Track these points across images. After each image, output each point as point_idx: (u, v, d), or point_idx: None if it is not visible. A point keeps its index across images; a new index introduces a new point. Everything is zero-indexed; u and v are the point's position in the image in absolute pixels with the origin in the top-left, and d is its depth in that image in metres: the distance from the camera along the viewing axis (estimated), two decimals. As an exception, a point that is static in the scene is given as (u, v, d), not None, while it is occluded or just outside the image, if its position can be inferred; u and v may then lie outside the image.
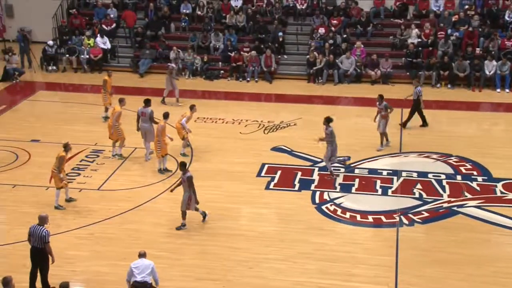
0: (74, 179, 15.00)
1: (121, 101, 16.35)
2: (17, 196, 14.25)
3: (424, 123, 18.43)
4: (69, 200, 13.87)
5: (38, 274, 10.83)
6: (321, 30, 23.91)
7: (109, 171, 15.45)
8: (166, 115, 15.37)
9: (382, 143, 16.88)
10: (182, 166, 13.04)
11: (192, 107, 16.54)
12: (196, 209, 13.06)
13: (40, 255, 10.72)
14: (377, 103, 16.93)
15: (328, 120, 15.20)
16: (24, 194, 14.31)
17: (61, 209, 13.62)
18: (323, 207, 14.04)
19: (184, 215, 12.95)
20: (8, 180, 14.88)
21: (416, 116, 18.32)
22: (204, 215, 13.21)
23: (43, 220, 10.77)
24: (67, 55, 23.58)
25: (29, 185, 14.65)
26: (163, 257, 11.86)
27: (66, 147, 13.66)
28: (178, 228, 12.95)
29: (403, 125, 18.30)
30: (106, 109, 18.30)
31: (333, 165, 15.36)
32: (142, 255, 10.48)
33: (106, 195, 14.35)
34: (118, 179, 15.13)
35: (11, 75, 22.15)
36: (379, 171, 15.71)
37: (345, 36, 23.90)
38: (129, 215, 13.51)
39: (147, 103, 16.08)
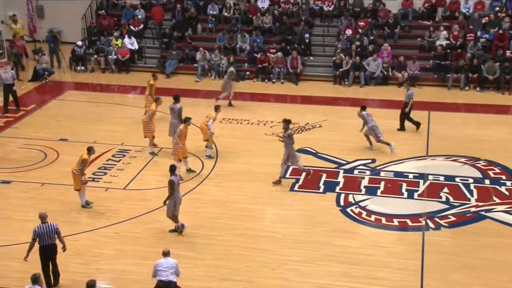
0: (101, 178, 15.17)
1: (157, 100, 16.55)
2: (45, 194, 14.47)
3: (402, 128, 18.05)
4: (86, 204, 13.85)
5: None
6: (348, 32, 23.79)
7: (135, 170, 15.58)
8: (186, 120, 15.17)
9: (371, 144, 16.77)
10: (170, 169, 12.66)
11: (217, 108, 16.59)
12: (176, 220, 12.60)
13: (53, 250, 10.86)
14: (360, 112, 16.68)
15: (287, 122, 14.93)
16: (52, 193, 14.52)
17: (89, 208, 13.77)
18: (348, 210, 13.96)
19: (174, 219, 12.70)
20: (37, 179, 15.11)
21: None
22: (177, 229, 12.75)
23: (45, 217, 10.89)
24: (95, 56, 23.86)
25: (57, 184, 14.85)
26: (187, 256, 11.92)
27: (90, 151, 13.71)
28: (172, 231, 12.74)
29: (401, 129, 18.06)
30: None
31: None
32: (166, 253, 10.51)
33: (132, 194, 14.47)
34: (143, 178, 15.25)
35: (41, 75, 22.50)
36: (405, 174, 15.55)
37: (372, 38, 23.75)
38: (154, 215, 13.60)
39: (177, 99, 16.27)
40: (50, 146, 16.92)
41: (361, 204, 14.21)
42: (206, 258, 12.06)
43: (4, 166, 15.69)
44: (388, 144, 16.49)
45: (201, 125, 16.38)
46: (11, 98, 19.44)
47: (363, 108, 16.86)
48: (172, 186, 12.44)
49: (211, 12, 25.25)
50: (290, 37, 24.01)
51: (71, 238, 12.58)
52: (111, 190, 14.64)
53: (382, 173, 15.63)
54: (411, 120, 18.12)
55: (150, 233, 12.84)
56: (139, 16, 25.11)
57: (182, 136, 14.99)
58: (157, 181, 15.02)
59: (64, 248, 10.93)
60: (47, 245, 10.77)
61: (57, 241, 10.88)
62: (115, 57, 23.55)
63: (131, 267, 11.70)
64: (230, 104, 19.96)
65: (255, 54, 23.45)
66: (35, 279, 9.70)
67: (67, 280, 11.19)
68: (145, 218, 13.42)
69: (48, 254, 10.85)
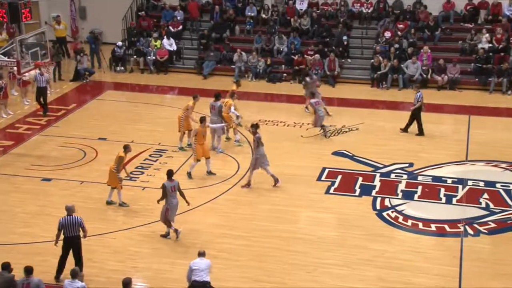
0: (138, 177, 15.35)
1: (195, 97, 16.75)
2: (84, 192, 14.72)
3: (405, 129, 17.98)
4: (122, 204, 14.03)
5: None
6: (387, 34, 23.54)
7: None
8: (202, 119, 15.17)
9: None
10: (167, 173, 12.67)
11: (232, 95, 17.06)
12: (169, 224, 12.56)
13: (76, 242, 11.24)
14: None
15: (254, 127, 14.77)
16: (90, 191, 14.76)
17: (125, 206, 13.96)
18: (384, 214, 13.80)
19: (166, 223, 12.60)
20: (77, 177, 15.38)
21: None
22: (166, 235, 12.68)
23: (72, 210, 11.23)
24: (135, 56, 24.18)
25: (95, 182, 15.09)
26: (221, 257, 11.96)
27: (126, 149, 13.90)
28: (163, 236, 12.71)
29: (405, 130, 17.96)
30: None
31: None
32: (201, 254, 10.57)
33: (168, 194, 14.59)
34: (179, 178, 15.31)
35: (82, 75, 22.92)
36: (443, 178, 15.29)
37: (411, 40, 23.44)
38: (189, 215, 13.68)
39: (217, 97, 16.53)
40: (89, 145, 17.21)
41: (398, 208, 14.03)
42: (240, 259, 12.08)
43: (45, 164, 16.03)
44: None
45: (224, 115, 16.52)
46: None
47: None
48: (164, 191, 12.49)
49: (249, 13, 25.31)
50: (328, 39, 23.89)
51: (109, 236, 12.81)
52: (148, 189, 14.80)
53: (419, 178, 15.40)
54: (419, 122, 17.84)
55: (186, 233, 12.91)
56: (178, 18, 25.35)
57: (199, 136, 15.02)
58: (192, 182, 15.12)
59: (84, 235, 11.31)
60: (70, 236, 11.17)
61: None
62: (153, 58, 23.81)
63: (166, 266, 11.81)
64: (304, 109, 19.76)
65: (292, 56, 23.40)
66: (74, 273, 9.93)
67: (103, 277, 11.38)
68: (180, 218, 13.49)
69: (70, 245, 11.25)
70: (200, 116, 15.50)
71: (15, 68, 17.30)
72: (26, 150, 17.00)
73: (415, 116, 17.81)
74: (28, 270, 9.91)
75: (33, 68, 17.44)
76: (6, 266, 10.05)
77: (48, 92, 19.72)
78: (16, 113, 19.17)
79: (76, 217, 11.20)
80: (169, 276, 11.49)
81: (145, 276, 11.68)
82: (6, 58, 16.81)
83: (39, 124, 18.72)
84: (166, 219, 12.60)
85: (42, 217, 13.47)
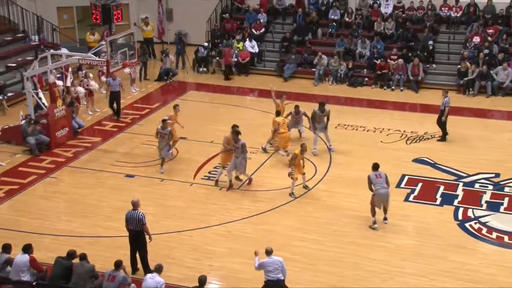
0: (216, 177, 15.54)
1: (282, 97, 17.24)
2: (164, 190, 15.07)
3: (443, 137, 17.50)
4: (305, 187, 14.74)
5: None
6: (476, 39, 22.69)
7: (249, 172, 15.81)
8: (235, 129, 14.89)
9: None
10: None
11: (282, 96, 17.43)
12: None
13: (139, 238, 11.40)
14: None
15: (236, 133, 14.33)
16: (170, 188, 15.10)
17: (292, 197, 14.30)
18: (467, 225, 13.30)
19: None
20: (158, 174, 15.72)
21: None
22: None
23: (136, 205, 11.43)
24: (217, 58, 24.57)
25: (175, 180, 15.43)
26: (296, 260, 11.92)
27: (302, 147, 14.37)
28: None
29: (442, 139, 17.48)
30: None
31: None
32: (269, 252, 10.43)
33: (246, 194, 14.70)
34: (257, 180, 15.45)
35: (165, 75, 23.52)
36: (532, 191, 14.57)
37: (502, 45, 22.47)
38: (265, 216, 13.74)
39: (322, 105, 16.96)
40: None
41: (482, 220, 13.47)
42: (315, 264, 11.99)
43: (129, 161, 16.57)
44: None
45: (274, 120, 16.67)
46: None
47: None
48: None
49: (332, 17, 25.13)
50: (412, 43, 23.32)
51: (187, 234, 13.06)
52: (224, 189, 14.95)
53: (506, 189, 14.73)
54: (443, 128, 17.40)
55: (261, 234, 12.97)
56: (261, 20, 25.54)
57: (230, 143, 14.88)
58: (270, 183, 15.17)
59: (150, 238, 11.45)
60: (132, 229, 11.41)
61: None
62: (235, 59, 24.10)
63: (241, 266, 11.89)
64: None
65: (375, 60, 23.02)
66: (117, 265, 10.23)
67: (181, 274, 11.60)
68: (256, 219, 13.59)
69: (132, 239, 11.46)
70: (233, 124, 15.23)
71: (105, 68, 18.02)
72: (111, 146, 17.64)
73: (442, 121, 17.40)
74: (117, 264, 10.26)
75: (121, 68, 18.07)
76: (84, 257, 10.49)
77: (120, 96, 19.70)
78: (102, 111, 19.91)
79: (139, 212, 11.38)
80: (243, 276, 11.56)
81: (220, 275, 11.81)
82: (97, 58, 17.52)
83: (125, 122, 19.36)
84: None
85: (123, 213, 13.89)
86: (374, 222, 13.11)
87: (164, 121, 15.73)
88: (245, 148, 14.45)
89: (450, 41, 23.53)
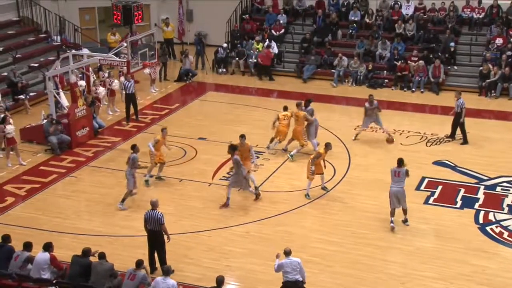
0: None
1: (299, 105, 16.93)
2: (183, 189, 15.13)
3: (464, 140, 17.37)
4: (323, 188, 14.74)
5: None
6: (499, 41, 22.44)
7: (267, 172, 15.83)
8: (241, 136, 14.83)
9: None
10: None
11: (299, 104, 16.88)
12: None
13: (157, 237, 11.45)
14: None
15: (232, 148, 14.05)
16: (189, 188, 15.16)
17: (308, 198, 14.28)
18: (487, 228, 13.15)
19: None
20: (177, 174, 15.84)
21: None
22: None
23: (155, 205, 11.52)
24: (237, 58, 24.60)
25: (194, 180, 15.49)
26: (314, 262, 11.89)
27: (327, 147, 14.45)
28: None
29: (451, 136, 17.47)
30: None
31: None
32: (288, 253, 10.43)
33: (264, 196, 14.68)
34: (275, 181, 15.45)
35: (185, 76, 23.62)
36: (555, 195, 14.36)
37: (525, 47, 22.21)
38: (284, 218, 13.72)
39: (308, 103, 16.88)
40: (189, 144, 17.69)
41: (503, 223, 13.31)
42: (333, 265, 11.94)
43: (148, 161, 16.63)
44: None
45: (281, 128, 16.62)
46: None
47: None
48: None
49: (352, 18, 25.02)
50: (433, 45, 23.12)
51: (205, 234, 13.10)
52: (243, 190, 14.95)
53: (528, 193, 14.56)
54: (463, 130, 17.29)
55: (279, 235, 12.96)
56: (281, 21, 25.52)
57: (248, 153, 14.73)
58: (288, 185, 15.15)
59: (168, 238, 11.49)
60: (151, 229, 11.50)
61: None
62: (255, 60, 24.10)
63: (259, 267, 11.89)
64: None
65: (395, 62, 22.87)
66: (138, 264, 10.29)
67: (199, 274, 11.63)
68: (274, 220, 13.58)
69: (151, 238, 11.54)
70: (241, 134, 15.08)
71: (125, 68, 18.14)
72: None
73: (458, 122, 17.28)
74: (139, 263, 10.32)
75: (142, 68, 18.16)
76: (103, 256, 10.57)
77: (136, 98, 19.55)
78: (122, 111, 20.05)
79: (157, 212, 11.45)
80: (261, 277, 11.56)
81: (238, 276, 11.82)
82: (117, 58, 17.64)
83: (144, 122, 19.48)
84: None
85: (143, 212, 13.96)
86: (391, 222, 13.09)
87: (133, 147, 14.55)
88: (239, 164, 13.94)
89: (472, 43, 23.29)
